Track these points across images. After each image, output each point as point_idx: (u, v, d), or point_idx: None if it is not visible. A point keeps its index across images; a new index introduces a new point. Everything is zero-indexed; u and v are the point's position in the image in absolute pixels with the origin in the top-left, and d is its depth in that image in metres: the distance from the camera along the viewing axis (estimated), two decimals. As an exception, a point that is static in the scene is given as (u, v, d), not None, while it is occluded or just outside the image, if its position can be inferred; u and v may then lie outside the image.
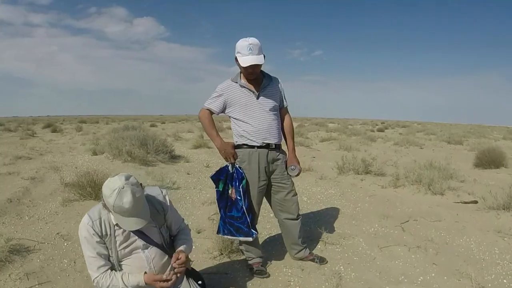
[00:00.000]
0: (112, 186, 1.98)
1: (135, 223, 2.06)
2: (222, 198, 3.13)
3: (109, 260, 2.21)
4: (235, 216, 3.07)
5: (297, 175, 3.25)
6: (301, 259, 3.43)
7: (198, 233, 4.07)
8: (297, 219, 3.33)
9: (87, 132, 20.64)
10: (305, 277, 3.19)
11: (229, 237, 3.16)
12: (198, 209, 5.08)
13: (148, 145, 9.05)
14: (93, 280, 2.17)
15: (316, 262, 3.39)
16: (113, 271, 2.20)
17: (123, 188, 1.97)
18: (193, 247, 2.70)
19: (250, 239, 3.08)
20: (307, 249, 3.47)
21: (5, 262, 3.21)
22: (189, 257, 2.65)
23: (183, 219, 2.57)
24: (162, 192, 2.40)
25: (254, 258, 3.29)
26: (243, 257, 3.40)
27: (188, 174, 7.76)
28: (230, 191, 3.09)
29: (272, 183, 3.25)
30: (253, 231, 3.08)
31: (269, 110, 3.11)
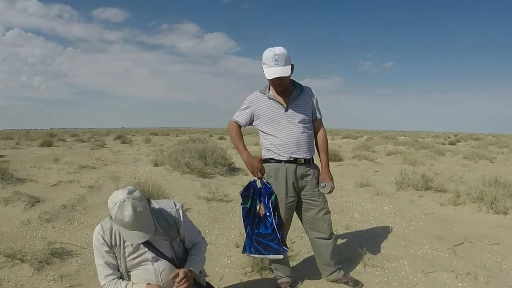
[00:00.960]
0: (115, 200, 2.05)
1: (137, 237, 2.09)
2: (249, 215, 3.01)
3: (118, 270, 2.27)
4: (263, 233, 2.94)
5: (329, 192, 3.07)
6: (335, 281, 3.23)
7: (237, 247, 4.02)
8: (329, 239, 3.14)
9: (155, 144, 21.48)
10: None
11: (256, 256, 3.02)
12: (240, 222, 5.00)
13: (207, 157, 9.20)
14: (102, 286, 2.25)
15: (350, 286, 3.17)
16: (120, 280, 2.25)
17: (124, 201, 2.02)
18: (206, 261, 2.61)
19: (280, 256, 2.94)
20: (342, 270, 3.25)
21: (44, 264, 3.44)
22: (205, 271, 2.64)
23: (199, 232, 2.55)
24: (175, 206, 2.40)
25: (282, 277, 3.17)
26: (273, 275, 3.29)
27: (243, 187, 7.74)
28: (258, 207, 2.96)
29: (303, 200, 3.10)
30: (284, 248, 2.95)
31: (298, 122, 2.98)
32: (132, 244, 2.23)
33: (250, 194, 3.00)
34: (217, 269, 3.55)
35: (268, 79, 2.87)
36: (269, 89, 3.01)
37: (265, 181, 2.98)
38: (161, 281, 2.26)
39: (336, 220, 5.13)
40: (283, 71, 2.79)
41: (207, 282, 2.63)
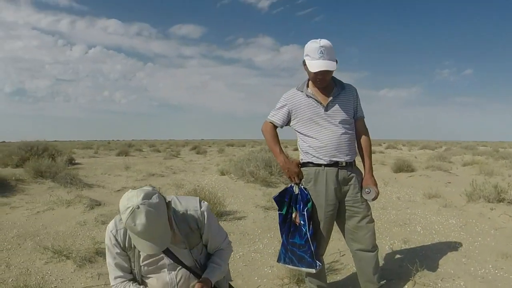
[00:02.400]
0: (127, 203, 1.77)
1: (148, 247, 1.84)
2: (285, 222, 2.84)
3: (130, 273, 2.09)
4: (298, 243, 2.75)
5: (374, 199, 2.80)
6: None
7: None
8: (372, 251, 2.86)
9: (228, 154, 21.91)
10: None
11: (290, 266, 2.87)
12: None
13: (272, 166, 9.26)
14: (111, 286, 2.11)
15: None
16: (131, 282, 2.06)
17: (138, 208, 1.74)
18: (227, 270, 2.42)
19: (313, 271, 2.74)
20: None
21: (87, 262, 3.70)
22: (229, 275, 2.46)
23: (226, 237, 2.31)
24: (200, 207, 2.14)
25: None
26: None
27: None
28: (293, 215, 2.78)
29: (345, 208, 2.85)
30: (317, 262, 2.73)
31: (339, 123, 2.75)
32: None
33: (287, 200, 2.84)
34: (256, 278, 3.55)
35: (312, 72, 2.64)
36: (307, 86, 2.81)
37: (302, 187, 2.79)
38: None
39: (396, 233, 4.91)
40: (329, 64, 2.59)
41: (229, 285, 2.44)
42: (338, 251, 4.06)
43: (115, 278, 2.07)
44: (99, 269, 3.61)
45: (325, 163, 2.75)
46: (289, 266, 2.89)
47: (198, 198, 2.21)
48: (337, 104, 2.77)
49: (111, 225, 2.05)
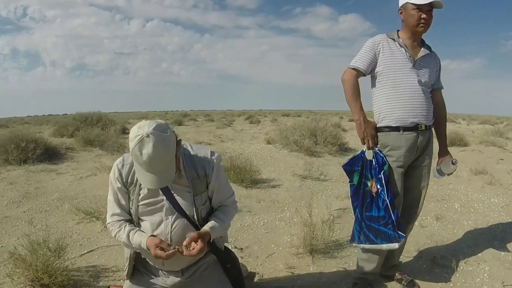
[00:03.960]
0: (137, 131, 1.73)
1: (149, 181, 1.78)
2: (357, 194, 2.57)
3: (128, 213, 2.04)
4: (375, 216, 2.48)
5: (450, 174, 2.68)
6: (386, 276, 2.90)
7: (305, 226, 3.92)
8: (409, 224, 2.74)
9: (280, 124, 21.76)
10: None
11: (367, 245, 2.55)
12: (327, 201, 4.91)
13: (317, 135, 9.12)
14: (106, 223, 2.09)
15: (403, 286, 2.78)
16: (127, 223, 2.02)
17: (147, 137, 1.69)
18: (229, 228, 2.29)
19: (396, 246, 2.46)
20: (400, 264, 2.94)
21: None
22: (226, 237, 2.34)
23: (233, 195, 2.22)
24: (211, 155, 2.07)
25: (367, 273, 2.71)
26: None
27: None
28: (369, 184, 2.50)
29: (410, 176, 2.64)
30: (400, 233, 2.44)
31: (424, 84, 2.52)
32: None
33: (358, 168, 2.57)
34: (273, 245, 3.57)
35: (416, 14, 2.44)
36: (398, 35, 2.57)
37: (377, 150, 2.52)
38: (170, 239, 1.97)
39: (431, 208, 4.69)
40: None
41: (225, 247, 2.31)
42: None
43: (112, 215, 2.05)
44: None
45: (405, 125, 2.52)
46: (365, 245, 2.57)
47: (209, 147, 2.15)
48: (424, 64, 2.57)
49: (119, 160, 2.02)
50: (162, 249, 1.85)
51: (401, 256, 2.97)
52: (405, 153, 2.51)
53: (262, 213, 4.48)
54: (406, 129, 2.51)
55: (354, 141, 10.41)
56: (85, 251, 3.37)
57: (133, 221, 2.05)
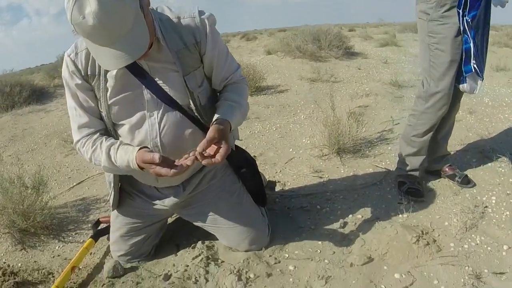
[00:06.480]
0: None
1: (113, 58, 1.16)
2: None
3: (100, 119, 1.47)
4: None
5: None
6: (435, 170, 2.39)
7: (324, 127, 3.36)
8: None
9: (278, 37, 20.78)
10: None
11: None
12: (343, 102, 4.31)
13: (321, 40, 8.40)
14: (74, 144, 1.50)
15: (457, 183, 2.29)
16: (103, 137, 1.45)
17: None
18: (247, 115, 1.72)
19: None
20: (448, 158, 2.41)
21: None
22: (237, 132, 1.77)
23: (239, 68, 1.61)
24: (200, 14, 1.41)
25: (412, 169, 2.26)
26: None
27: (358, 69, 6.89)
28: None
29: None
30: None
31: None
32: (120, 76, 1.34)
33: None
34: (291, 150, 3.06)
35: None
36: None
37: None
38: (161, 144, 1.41)
39: (461, 102, 4.09)
40: None
41: (236, 146, 1.76)
42: (391, 119, 3.39)
43: (79, 128, 1.46)
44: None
45: None
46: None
47: (197, 5, 1.45)
48: None
49: (69, 49, 1.41)
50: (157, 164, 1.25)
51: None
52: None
53: (272, 118, 3.94)
54: None
55: (358, 45, 9.69)
56: (74, 184, 2.97)
57: (109, 131, 1.48)
